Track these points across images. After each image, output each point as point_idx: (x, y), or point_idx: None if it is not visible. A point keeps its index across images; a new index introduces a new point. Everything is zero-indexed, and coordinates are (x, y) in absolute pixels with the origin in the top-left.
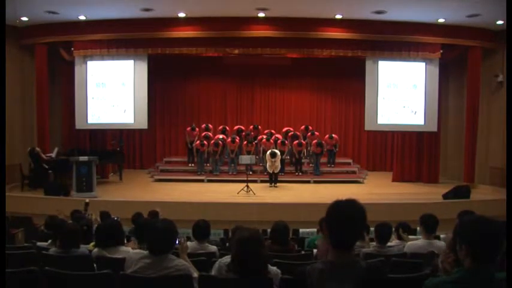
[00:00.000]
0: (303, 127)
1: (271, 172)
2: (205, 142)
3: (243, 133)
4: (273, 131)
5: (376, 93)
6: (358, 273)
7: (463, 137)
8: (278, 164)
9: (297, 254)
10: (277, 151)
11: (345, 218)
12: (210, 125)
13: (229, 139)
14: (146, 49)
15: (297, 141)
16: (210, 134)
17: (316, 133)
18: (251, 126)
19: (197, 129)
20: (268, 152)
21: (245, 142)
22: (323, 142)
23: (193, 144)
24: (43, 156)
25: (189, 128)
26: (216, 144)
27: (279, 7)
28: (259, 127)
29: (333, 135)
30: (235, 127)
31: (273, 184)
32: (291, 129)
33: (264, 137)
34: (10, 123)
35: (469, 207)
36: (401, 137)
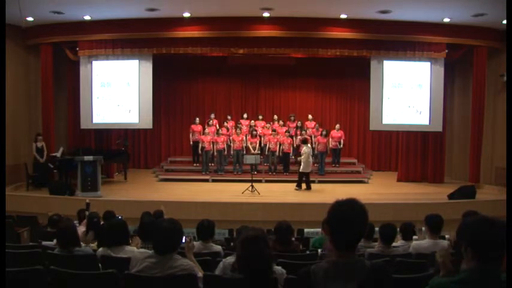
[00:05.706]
0: None
1: (308, 172)
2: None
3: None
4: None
5: (381, 93)
6: (362, 273)
7: (469, 137)
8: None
9: (302, 253)
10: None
11: (345, 218)
12: (215, 120)
13: (234, 134)
14: (151, 49)
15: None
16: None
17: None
18: None
19: (200, 125)
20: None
21: (249, 136)
22: (329, 135)
23: (198, 137)
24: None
25: (193, 125)
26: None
27: (283, 7)
28: None
29: (338, 125)
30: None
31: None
32: None
33: (270, 132)
34: (15, 123)
35: (475, 208)
36: (406, 137)
